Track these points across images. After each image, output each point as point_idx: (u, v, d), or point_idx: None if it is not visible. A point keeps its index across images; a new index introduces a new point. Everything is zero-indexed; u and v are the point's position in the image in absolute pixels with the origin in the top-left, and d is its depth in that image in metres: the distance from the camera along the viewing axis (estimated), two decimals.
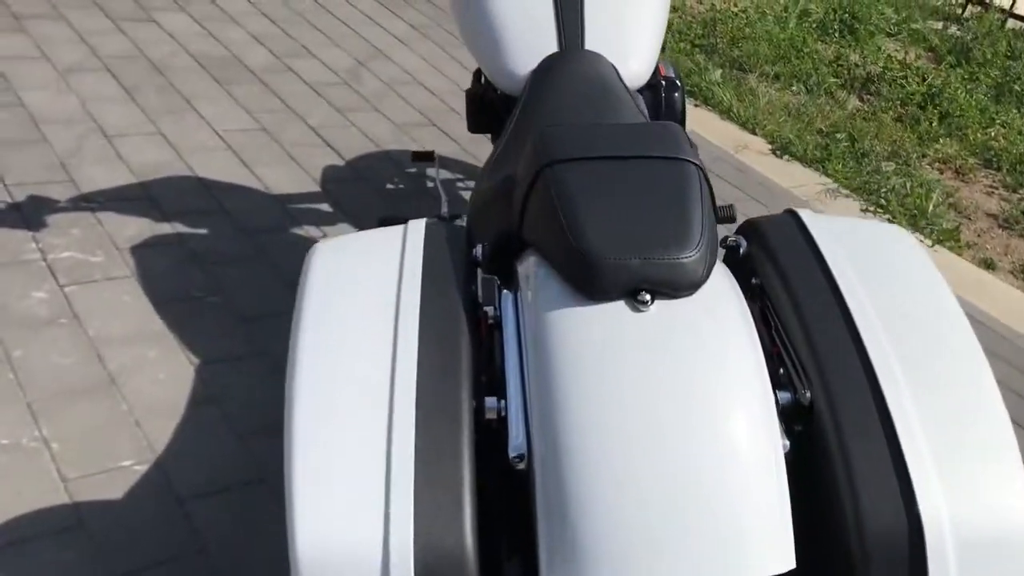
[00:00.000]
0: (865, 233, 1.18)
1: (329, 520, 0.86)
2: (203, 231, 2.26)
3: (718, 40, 4.67)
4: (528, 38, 1.56)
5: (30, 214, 2.17)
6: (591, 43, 1.55)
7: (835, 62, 4.77)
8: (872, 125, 4.12)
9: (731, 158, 3.53)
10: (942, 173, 3.94)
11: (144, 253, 2.14)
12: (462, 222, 1.89)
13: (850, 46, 5.13)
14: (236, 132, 2.75)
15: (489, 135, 1.93)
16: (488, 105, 1.76)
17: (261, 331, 1.98)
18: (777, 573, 0.85)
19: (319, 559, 0.85)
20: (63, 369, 1.77)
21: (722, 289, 1.00)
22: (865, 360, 1.00)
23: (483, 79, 1.86)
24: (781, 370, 1.05)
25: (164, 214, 2.29)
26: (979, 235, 3.54)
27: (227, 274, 2.14)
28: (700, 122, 3.77)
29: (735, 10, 5.12)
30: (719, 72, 4.23)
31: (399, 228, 1.18)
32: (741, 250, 1.20)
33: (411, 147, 2.96)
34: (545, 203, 1.05)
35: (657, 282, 0.95)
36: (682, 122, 1.86)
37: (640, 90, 1.79)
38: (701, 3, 5.31)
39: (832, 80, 4.55)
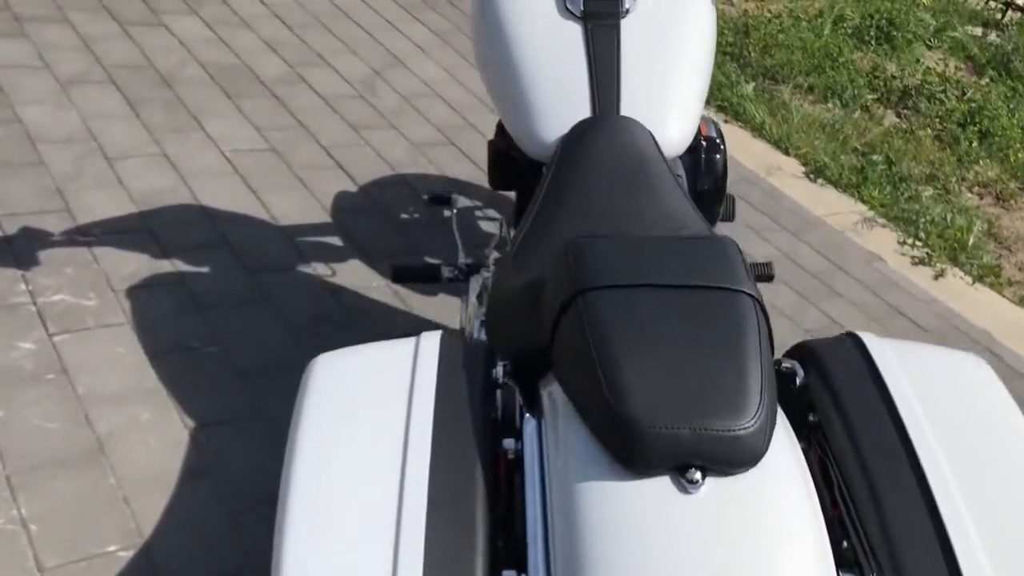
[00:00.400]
0: (938, 364, 1.04)
1: None
2: (204, 269, 2.14)
3: (751, 48, 4.49)
4: (559, 101, 1.41)
5: (21, 249, 2.05)
6: (627, 108, 1.40)
7: (871, 73, 4.58)
8: (910, 145, 3.94)
9: (762, 182, 3.37)
10: (982, 199, 3.77)
11: (141, 295, 2.01)
12: (481, 276, 1.75)
13: (887, 55, 4.94)
14: (244, 153, 2.61)
15: (513, 192, 1.79)
16: (513, 163, 1.61)
17: (259, 387, 1.86)
18: None
19: None
20: (47, 434, 1.65)
21: (783, 460, 0.86)
22: (943, 536, 0.86)
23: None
24: (844, 543, 0.91)
25: (164, 249, 2.17)
26: (1021, 268, 3.38)
27: (227, 320, 2.01)
28: (731, 141, 3.58)
29: (768, 15, 4.93)
30: (751, 86, 4.06)
31: (410, 343, 1.05)
32: (797, 380, 1.06)
33: (427, 170, 2.82)
34: (578, 341, 0.91)
35: (710, 458, 0.81)
36: (723, 185, 1.71)
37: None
38: (733, 5, 5.13)
39: (868, 94, 4.37)
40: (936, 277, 3.07)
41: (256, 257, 2.22)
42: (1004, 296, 3.11)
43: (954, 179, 3.76)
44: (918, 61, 4.88)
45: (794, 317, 2.62)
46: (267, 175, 2.55)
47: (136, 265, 2.09)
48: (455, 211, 1.99)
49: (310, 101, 2.99)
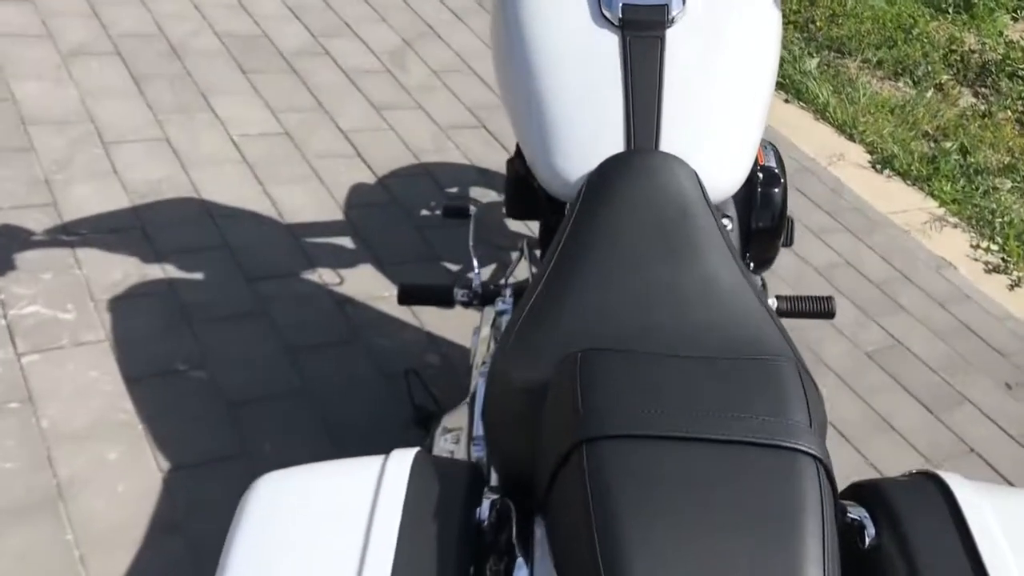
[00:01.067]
0: None
1: None
2: (198, 275, 1.94)
3: (816, 16, 4.15)
4: (587, 130, 1.17)
5: None
6: (668, 142, 1.16)
7: (947, 46, 4.21)
8: (988, 132, 3.60)
9: (824, 173, 3.08)
10: None
11: (125, 307, 1.82)
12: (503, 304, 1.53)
13: (965, 24, 4.55)
14: (254, 138, 2.40)
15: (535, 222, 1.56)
16: (531, 193, 1.37)
17: (248, 421, 1.66)
18: None
19: None
20: (3, 477, 1.48)
21: None
22: None
23: None
24: None
25: (156, 251, 1.97)
26: None
27: (219, 337, 1.81)
28: (791, 124, 3.31)
29: None
30: (815, 61, 3.74)
31: (375, 463, 0.83)
32: (867, 537, 0.82)
33: (454, 157, 2.59)
34: (576, 506, 0.69)
35: None
36: (781, 222, 1.45)
37: None
38: None
39: (943, 71, 4.02)
40: (1012, 287, 2.78)
41: (257, 261, 2.02)
42: None
43: None
44: (1000, 34, 4.49)
45: (854, 338, 2.36)
46: (277, 164, 2.33)
47: (123, 271, 1.90)
48: (473, 224, 1.76)
49: (332, 77, 2.76)
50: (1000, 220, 3.04)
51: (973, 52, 4.24)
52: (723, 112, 1.20)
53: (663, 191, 1.11)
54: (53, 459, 1.52)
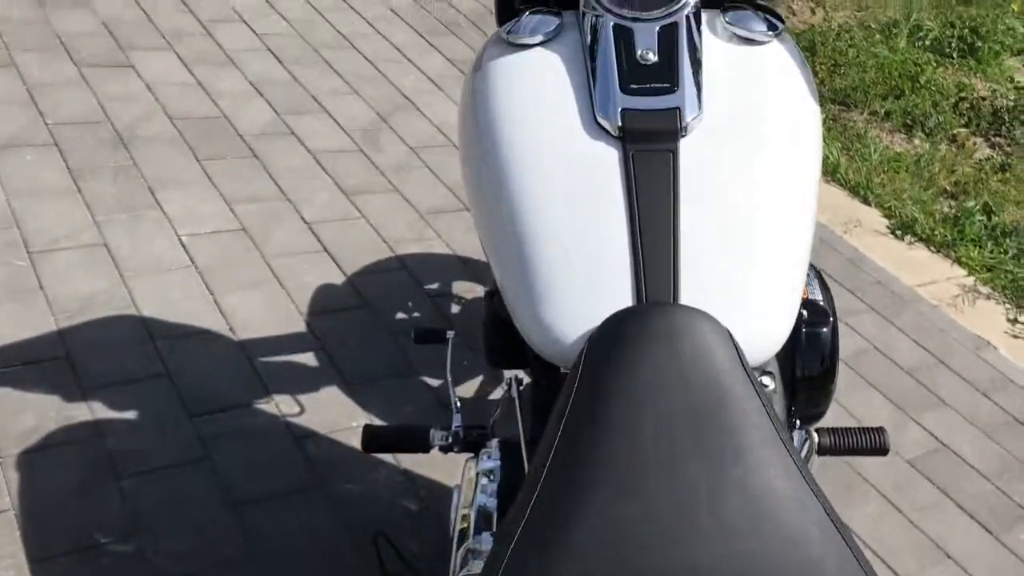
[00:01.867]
0: None
1: None
2: (131, 414, 1.65)
3: (818, 67, 3.92)
4: (585, 280, 0.90)
5: None
6: (689, 293, 0.88)
7: (957, 94, 3.98)
8: (1009, 186, 3.36)
9: (841, 243, 2.81)
10: None
11: (38, 463, 1.53)
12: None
13: (971, 70, 4.33)
14: (206, 237, 2.13)
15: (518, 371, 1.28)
16: (514, 336, 1.09)
17: None
18: None
19: None
20: None
21: None
22: None
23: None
24: None
25: (81, 386, 1.69)
26: None
27: (152, 495, 1.52)
28: None
29: (837, 27, 4.35)
30: (822, 116, 3.49)
31: None
32: None
33: (434, 247, 2.32)
34: None
35: None
36: (833, 367, 1.17)
37: None
38: (795, 15, 4.55)
39: (955, 120, 3.78)
40: None
41: (202, 392, 1.74)
42: None
43: None
44: (1011, 79, 4.27)
45: (893, 442, 2.07)
46: (231, 267, 2.06)
47: (38, 414, 1.61)
48: (451, 351, 1.48)
49: (297, 160, 2.50)
50: None
51: (984, 99, 4.01)
52: (760, 250, 0.92)
53: (688, 359, 0.83)
54: None
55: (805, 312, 1.14)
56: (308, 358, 1.88)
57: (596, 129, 0.97)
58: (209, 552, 1.46)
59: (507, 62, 1.05)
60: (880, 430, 1.37)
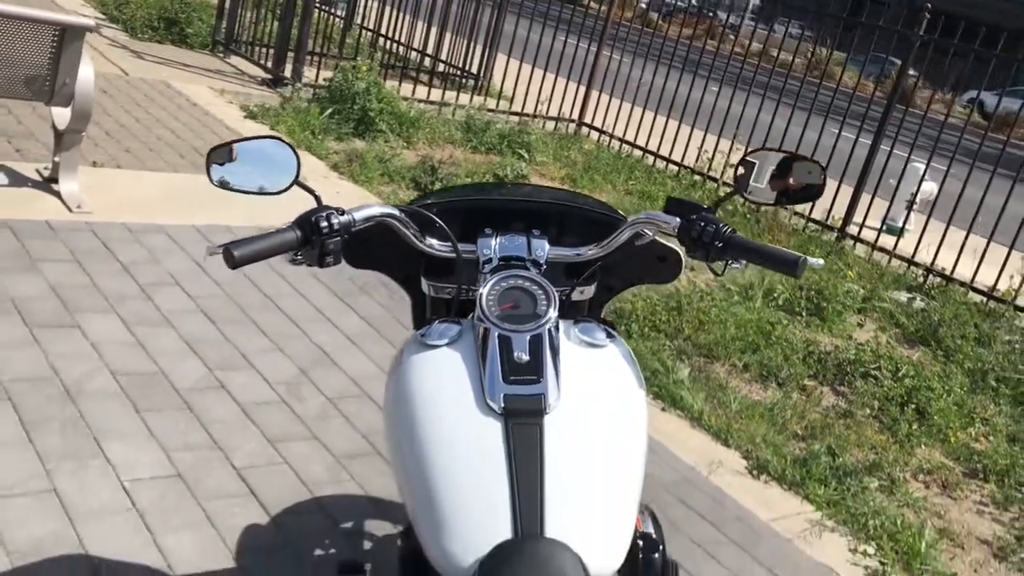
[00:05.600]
0: None
1: None
2: None
3: (684, 325, 4.50)
4: (477, 517, 1.26)
5: None
6: (553, 527, 1.25)
7: (805, 349, 4.60)
8: (851, 430, 3.88)
9: (704, 482, 3.22)
10: (927, 487, 3.67)
11: None
12: None
13: (818, 327, 5.00)
14: (146, 483, 2.40)
15: None
16: (429, 569, 1.42)
17: None
18: None
19: None
20: None
21: None
22: None
23: None
24: None
25: None
26: (975, 570, 3.22)
27: None
28: (668, 433, 3.50)
29: (701, 290, 5.00)
30: (687, 372, 4.01)
31: None
32: None
33: (348, 488, 2.62)
34: None
35: None
36: None
37: None
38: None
39: (804, 372, 4.36)
40: None
41: None
42: None
43: (898, 467, 3.68)
44: (851, 337, 4.94)
45: None
46: (169, 510, 2.32)
47: None
48: None
49: (227, 411, 2.82)
50: (873, 522, 3.21)
51: (828, 353, 4.63)
52: (601, 494, 1.31)
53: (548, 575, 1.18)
54: None
55: (642, 542, 1.51)
56: None
57: (487, 408, 1.37)
58: None
59: (422, 358, 1.46)
60: None
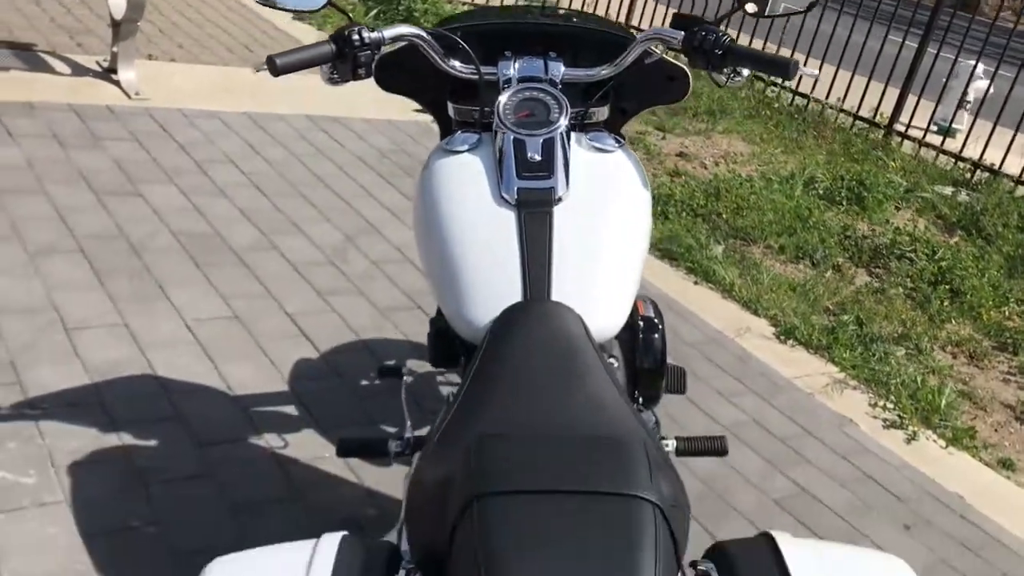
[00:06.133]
0: (856, 567, 1.00)
1: None
2: (152, 443, 2.11)
3: (722, 209, 4.59)
4: (491, 285, 1.43)
5: None
6: (558, 293, 1.42)
7: (842, 233, 4.67)
8: (881, 306, 3.98)
9: (731, 344, 3.37)
10: (955, 358, 3.77)
11: (83, 472, 1.97)
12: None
13: (858, 215, 5.05)
14: (207, 322, 2.63)
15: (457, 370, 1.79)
16: (450, 343, 1.61)
17: (194, 571, 1.79)
18: None
19: None
20: None
21: None
22: None
23: None
24: None
25: (113, 422, 2.14)
26: (996, 429, 3.34)
27: (170, 498, 1.96)
28: (699, 302, 3.64)
29: (740, 177, 5.07)
30: (720, 248, 4.13)
31: (309, 545, 1.02)
32: None
33: (392, 335, 2.83)
34: (471, 550, 0.88)
35: None
36: (662, 362, 1.70)
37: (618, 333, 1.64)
38: (707, 169, 5.28)
39: (839, 254, 4.45)
40: (908, 441, 3.03)
41: (207, 430, 2.20)
42: (980, 459, 3.06)
43: (926, 339, 3.77)
44: (887, 221, 4.99)
45: (761, 485, 2.57)
46: (228, 345, 2.55)
47: (82, 440, 2.06)
48: (405, 383, 1.98)
49: (280, 268, 3.03)
50: (894, 381, 3.33)
51: (865, 238, 4.70)
52: (602, 269, 1.46)
53: (554, 333, 1.35)
54: None
55: (643, 323, 1.67)
56: (291, 409, 2.35)
57: (502, 200, 1.53)
58: (214, 538, 1.89)
59: (445, 162, 1.62)
60: (721, 438, 1.88)
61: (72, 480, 1.94)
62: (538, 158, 1.56)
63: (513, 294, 1.42)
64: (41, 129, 3.59)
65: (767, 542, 1.03)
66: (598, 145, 1.63)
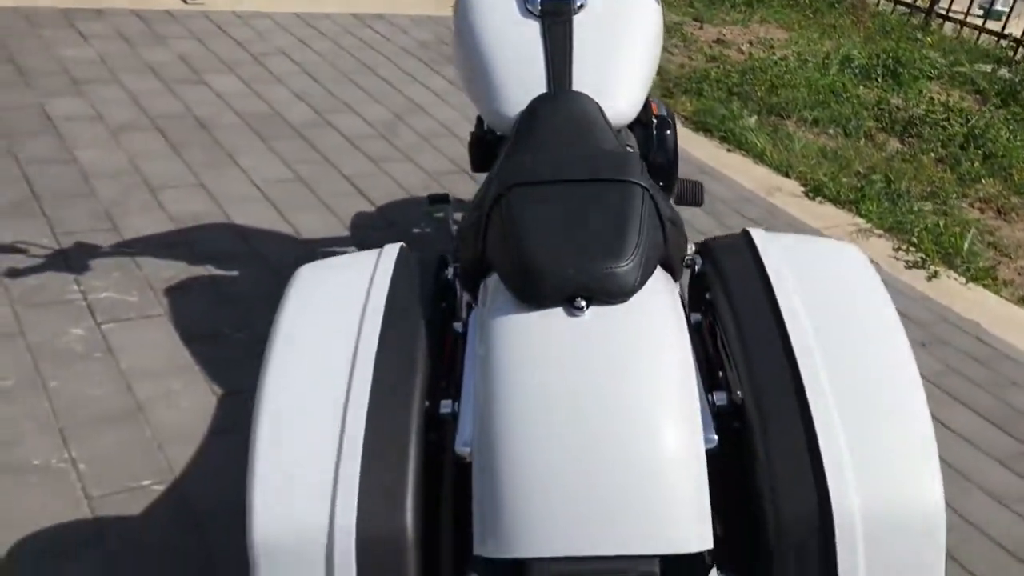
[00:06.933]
0: (813, 250, 1.23)
1: (284, 507, 0.94)
2: (235, 272, 2.40)
3: (756, 87, 4.72)
4: (518, 80, 1.65)
5: (74, 259, 2.33)
6: (578, 84, 1.64)
7: (876, 106, 4.77)
8: (911, 167, 4.11)
9: (761, 200, 3.56)
10: (983, 212, 3.91)
11: (178, 293, 2.27)
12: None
13: (893, 91, 5.13)
14: (274, 183, 2.90)
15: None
16: (488, 146, 1.85)
17: None
18: (693, 551, 0.90)
19: (273, 542, 0.93)
20: (94, 399, 1.90)
21: (656, 296, 1.06)
22: (793, 364, 1.04)
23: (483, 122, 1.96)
24: (720, 373, 1.10)
25: (199, 258, 2.44)
26: (1020, 273, 3.50)
27: (254, 311, 2.26)
28: (732, 166, 3.82)
29: (776, 58, 5.18)
30: (754, 119, 4.28)
31: (374, 252, 1.28)
32: (697, 268, 1.26)
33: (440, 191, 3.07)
34: (499, 224, 1.13)
35: (592, 289, 1.02)
36: (675, 159, 1.92)
37: (633, 128, 1.87)
38: (743, 54, 5.38)
39: (872, 123, 4.56)
40: (929, 279, 3.21)
41: (282, 262, 2.48)
42: (999, 295, 3.23)
43: (954, 196, 3.91)
44: (920, 92, 5.06)
45: None
46: (294, 200, 2.82)
47: (174, 271, 2.36)
48: (451, 210, 2.23)
49: (335, 141, 3.29)
50: (918, 228, 3.50)
51: (899, 109, 4.79)
52: (616, 64, 1.68)
53: (575, 118, 1.58)
54: (132, 388, 1.94)
55: (656, 120, 1.89)
56: (351, 250, 2.62)
57: (527, 12, 1.74)
58: None
59: None
60: (698, 184, 2.09)
61: (169, 300, 2.24)
62: None
63: (538, 87, 1.65)
64: (109, 31, 3.87)
65: (744, 238, 1.26)
66: None
